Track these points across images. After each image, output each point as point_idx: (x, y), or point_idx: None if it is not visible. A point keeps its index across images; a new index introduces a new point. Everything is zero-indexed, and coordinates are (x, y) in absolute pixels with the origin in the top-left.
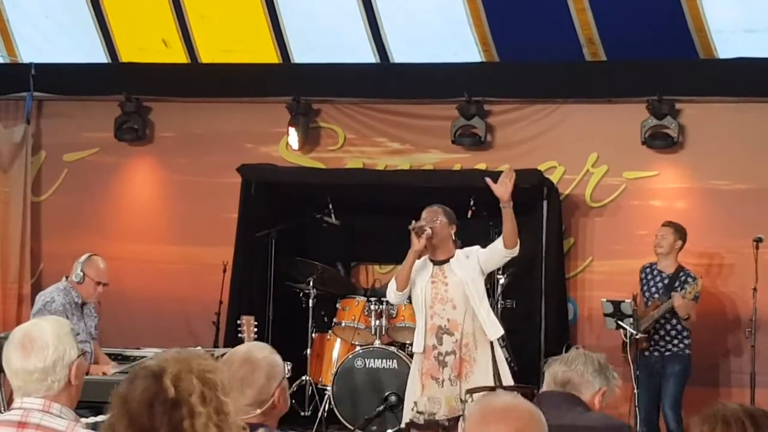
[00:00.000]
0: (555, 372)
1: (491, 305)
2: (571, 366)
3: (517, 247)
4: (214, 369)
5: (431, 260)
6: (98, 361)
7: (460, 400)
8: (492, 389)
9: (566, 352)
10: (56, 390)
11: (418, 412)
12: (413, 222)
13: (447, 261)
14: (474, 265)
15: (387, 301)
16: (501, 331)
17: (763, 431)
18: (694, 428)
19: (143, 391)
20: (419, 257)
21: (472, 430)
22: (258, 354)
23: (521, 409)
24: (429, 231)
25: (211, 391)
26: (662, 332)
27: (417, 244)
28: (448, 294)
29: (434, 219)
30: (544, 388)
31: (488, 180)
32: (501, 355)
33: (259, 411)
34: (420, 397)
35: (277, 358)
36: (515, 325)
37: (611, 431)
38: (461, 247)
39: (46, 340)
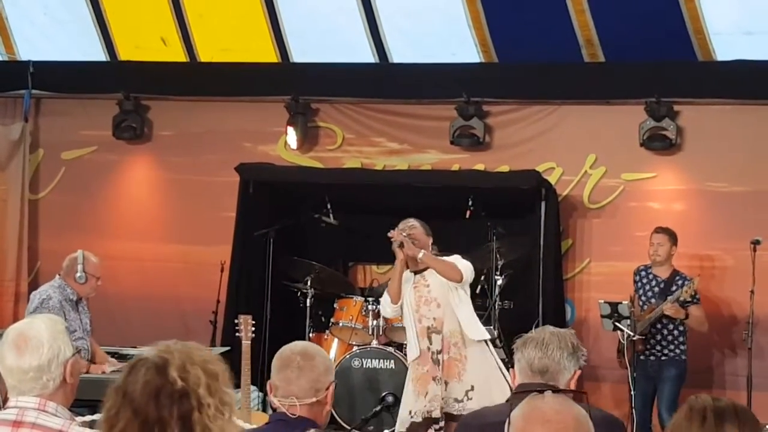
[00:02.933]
0: (531, 358)
1: (488, 306)
2: (547, 352)
3: (464, 279)
4: (214, 359)
5: (412, 271)
6: (95, 357)
7: (455, 399)
8: (541, 391)
9: (535, 328)
10: (51, 388)
11: (412, 415)
12: (394, 235)
13: (427, 269)
14: None
15: None
16: (484, 336)
17: (726, 424)
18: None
19: (147, 383)
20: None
21: (521, 430)
22: (315, 348)
23: (567, 415)
24: (407, 238)
25: (215, 382)
26: (659, 337)
27: (401, 254)
28: (431, 294)
29: (412, 227)
30: (519, 375)
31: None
32: (497, 357)
33: (314, 399)
34: (415, 403)
35: (331, 361)
36: (512, 326)
37: (607, 425)
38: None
39: (41, 339)
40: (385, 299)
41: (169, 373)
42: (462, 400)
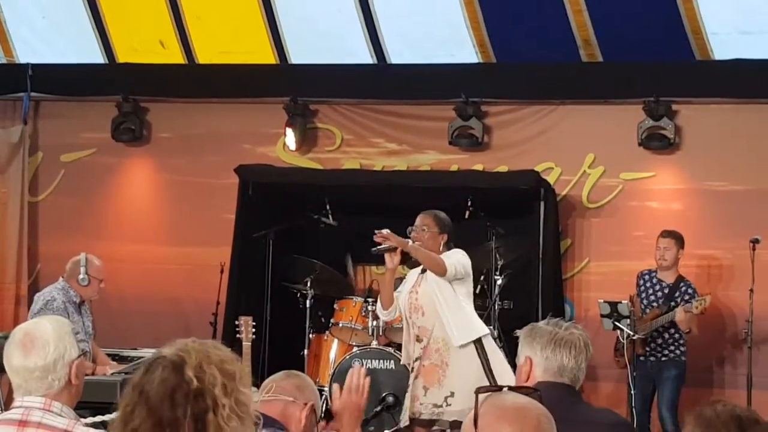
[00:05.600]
0: (563, 364)
1: (488, 306)
2: (578, 361)
3: (449, 273)
4: (231, 359)
5: (422, 271)
6: (97, 360)
7: (434, 404)
8: (499, 389)
9: (564, 321)
10: (56, 389)
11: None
12: (379, 239)
13: (426, 271)
14: None
15: None
16: (469, 337)
17: None
18: (686, 426)
19: (162, 381)
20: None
21: (487, 428)
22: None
23: (535, 410)
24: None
25: (231, 382)
26: (659, 340)
27: (390, 262)
28: (418, 302)
29: (422, 226)
30: (544, 375)
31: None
32: (494, 348)
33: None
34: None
35: (316, 389)
36: (512, 326)
37: (619, 428)
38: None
39: (47, 339)
40: (378, 304)
41: (185, 373)
42: (441, 405)
